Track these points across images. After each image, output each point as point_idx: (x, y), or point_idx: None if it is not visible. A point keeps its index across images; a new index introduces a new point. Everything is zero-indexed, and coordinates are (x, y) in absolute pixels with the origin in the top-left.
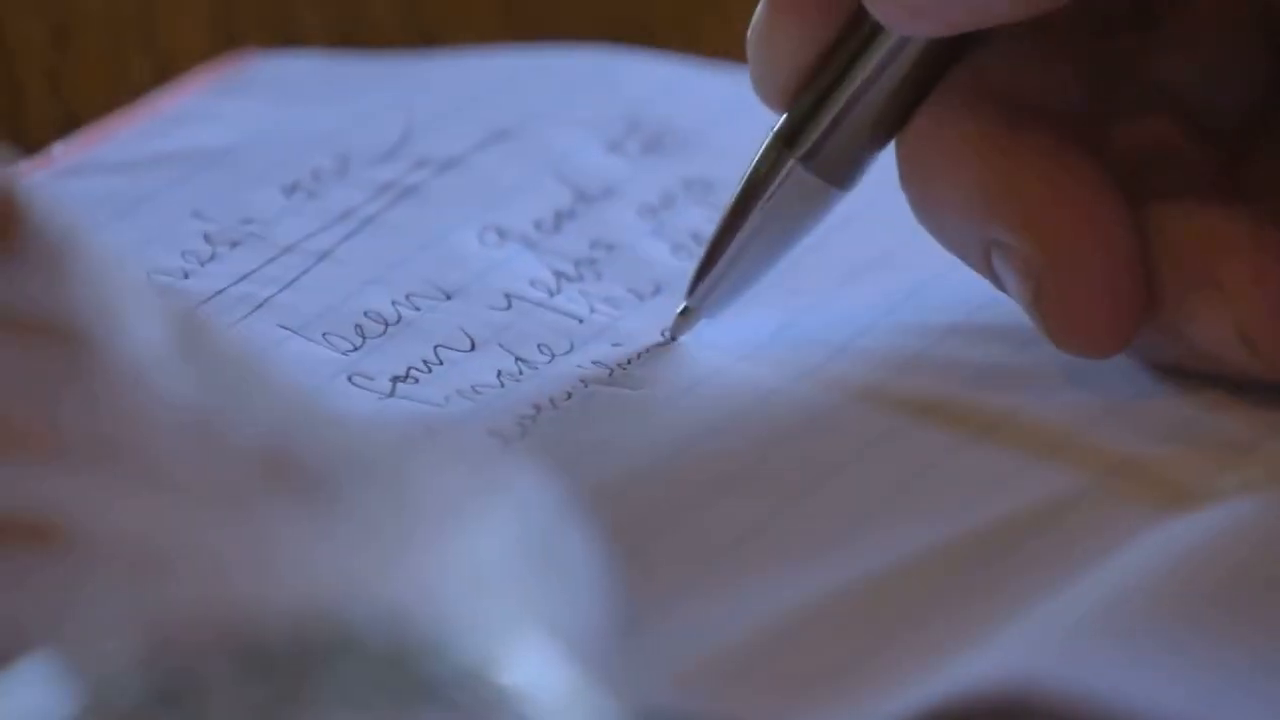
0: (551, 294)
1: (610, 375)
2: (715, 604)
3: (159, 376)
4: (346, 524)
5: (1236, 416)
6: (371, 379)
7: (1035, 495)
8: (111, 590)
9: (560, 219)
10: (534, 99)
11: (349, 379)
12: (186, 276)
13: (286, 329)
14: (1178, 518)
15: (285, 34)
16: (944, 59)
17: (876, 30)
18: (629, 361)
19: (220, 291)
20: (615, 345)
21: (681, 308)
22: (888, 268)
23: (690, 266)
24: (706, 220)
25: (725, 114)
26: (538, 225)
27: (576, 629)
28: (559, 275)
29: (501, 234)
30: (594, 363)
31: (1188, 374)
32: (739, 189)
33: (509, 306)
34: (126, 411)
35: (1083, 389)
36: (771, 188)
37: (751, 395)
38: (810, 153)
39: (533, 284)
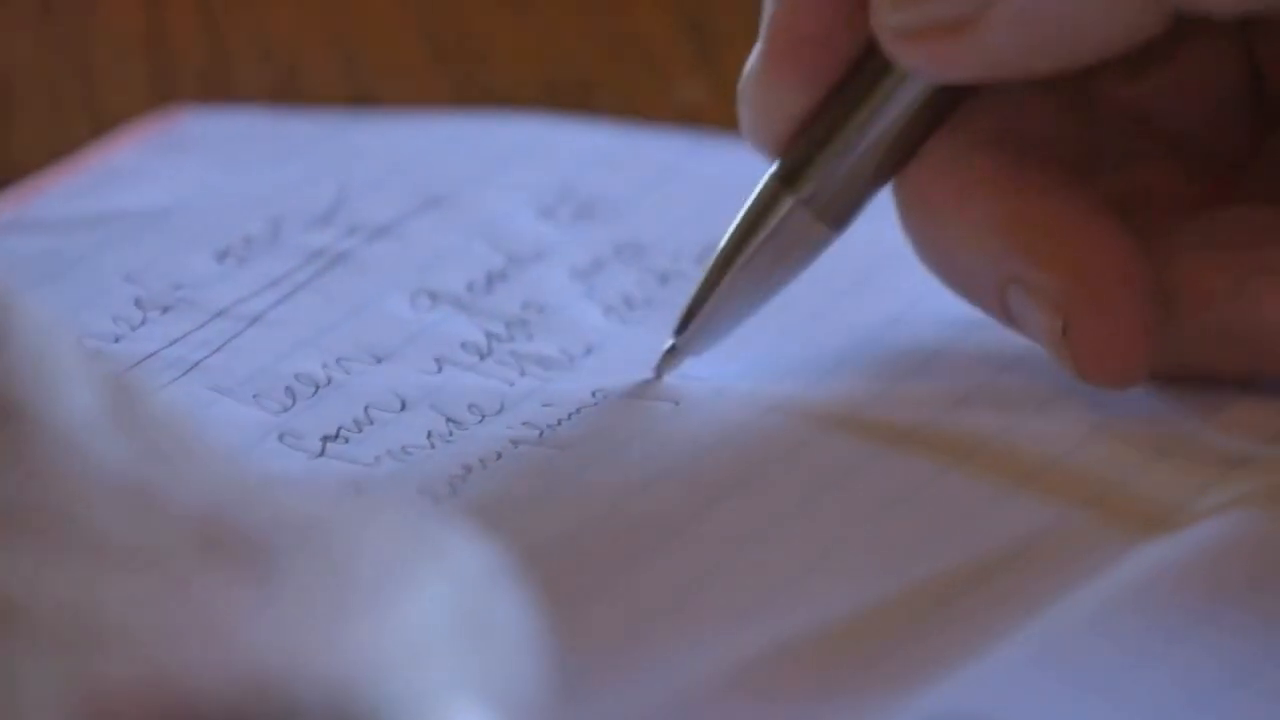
0: (482, 357)
1: (540, 436)
2: (653, 663)
3: (93, 445)
4: (284, 594)
5: (1232, 427)
6: (301, 438)
7: (1007, 532)
8: (45, 665)
9: (492, 280)
10: (468, 166)
11: (279, 438)
12: (117, 341)
13: (217, 391)
14: (1149, 544)
15: (223, 91)
16: (948, 102)
17: (880, 76)
18: (559, 423)
19: (151, 355)
20: (546, 405)
21: (668, 345)
22: (864, 293)
23: (623, 328)
24: (637, 284)
25: (658, 180)
26: (470, 287)
27: (512, 695)
28: (490, 336)
29: (433, 298)
30: (524, 424)
31: (1200, 378)
32: (734, 228)
33: (439, 370)
34: (61, 481)
35: (1067, 411)
36: (768, 227)
37: (690, 446)
38: (808, 194)
39: (464, 347)
